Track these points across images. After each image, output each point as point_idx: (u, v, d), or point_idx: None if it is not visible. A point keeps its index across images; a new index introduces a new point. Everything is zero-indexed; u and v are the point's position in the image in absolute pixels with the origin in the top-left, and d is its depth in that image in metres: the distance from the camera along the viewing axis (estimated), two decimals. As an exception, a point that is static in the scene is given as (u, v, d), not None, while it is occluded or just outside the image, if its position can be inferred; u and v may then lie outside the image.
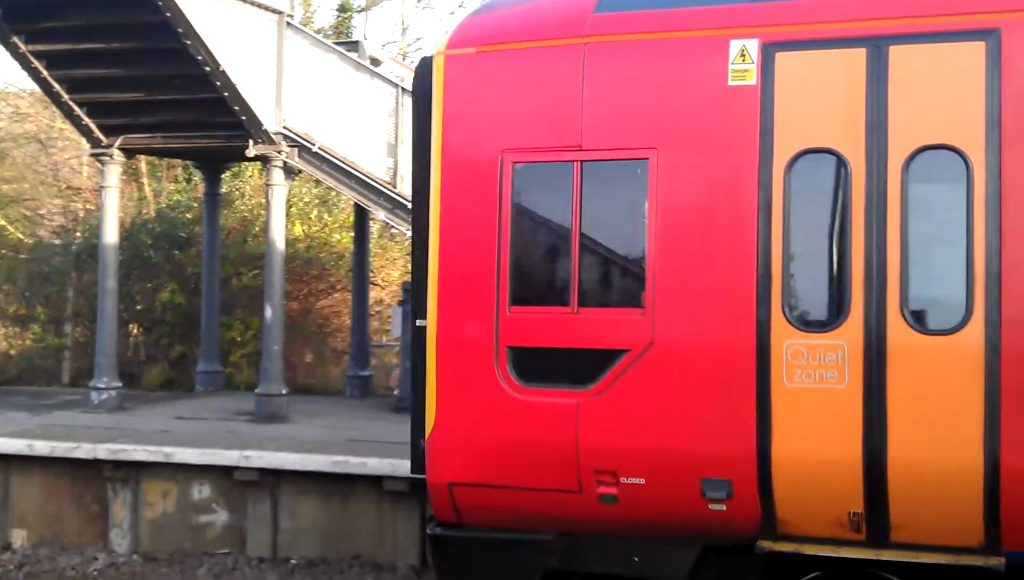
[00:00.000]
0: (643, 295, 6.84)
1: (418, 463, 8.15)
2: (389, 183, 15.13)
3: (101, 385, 15.13)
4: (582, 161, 6.97)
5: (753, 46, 6.73)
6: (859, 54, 6.56)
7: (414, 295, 7.69)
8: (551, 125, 7.06)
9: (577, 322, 6.97)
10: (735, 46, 6.76)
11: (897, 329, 6.39)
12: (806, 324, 6.56)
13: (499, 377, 7.09)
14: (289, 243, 18.37)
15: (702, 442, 6.73)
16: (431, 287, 7.31)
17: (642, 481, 6.85)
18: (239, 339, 19.66)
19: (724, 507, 6.76)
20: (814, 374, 6.53)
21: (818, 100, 6.61)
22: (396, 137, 15.32)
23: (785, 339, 6.57)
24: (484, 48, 7.29)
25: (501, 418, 7.09)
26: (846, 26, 6.62)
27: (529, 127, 7.12)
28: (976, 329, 6.26)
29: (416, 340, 7.72)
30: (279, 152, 14.29)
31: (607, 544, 7.22)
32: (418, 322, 7.51)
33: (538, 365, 7.07)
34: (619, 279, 7.10)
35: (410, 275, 8.34)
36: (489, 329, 7.12)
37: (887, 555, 6.57)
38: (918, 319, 6.39)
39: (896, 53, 6.49)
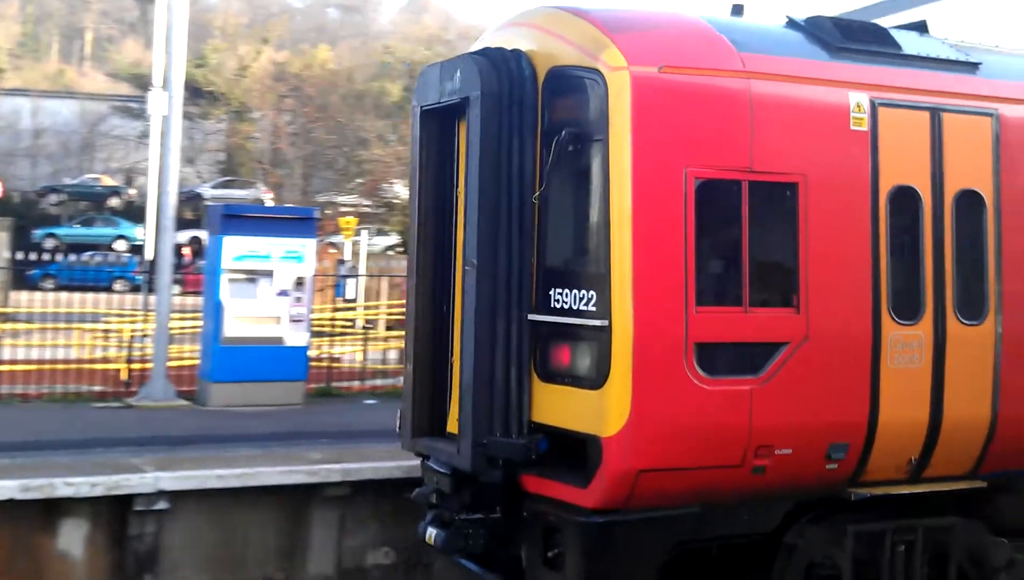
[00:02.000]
0: (797, 297, 8.20)
1: (480, 461, 8.28)
2: None
3: None
4: (750, 181, 8.06)
5: (865, 99, 8.51)
6: (926, 116, 8.75)
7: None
8: (727, 146, 8.01)
9: (749, 320, 8.05)
10: (853, 97, 8.48)
11: (952, 322, 8.76)
12: (901, 319, 8.57)
13: (687, 371, 7.83)
14: None
15: (835, 414, 8.35)
16: (621, 292, 7.69)
17: (789, 451, 8.22)
18: None
19: (836, 465, 8.46)
20: (904, 357, 8.59)
21: (904, 147, 8.65)
22: None
23: (890, 331, 8.51)
24: (668, 70, 7.89)
25: (690, 407, 7.85)
26: (919, 95, 8.76)
27: (707, 146, 7.96)
28: (991, 321, 8.92)
29: (565, 338, 8.00)
30: None
31: (730, 510, 8.37)
32: (598, 323, 7.77)
33: (718, 358, 7.97)
34: (780, 283, 8.30)
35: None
36: (679, 329, 7.81)
37: (920, 488, 8.91)
38: (963, 315, 8.83)
39: (947, 118, 8.82)
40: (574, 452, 8.05)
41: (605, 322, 7.80)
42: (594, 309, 7.90)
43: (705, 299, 7.95)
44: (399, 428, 9.57)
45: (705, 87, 8.07)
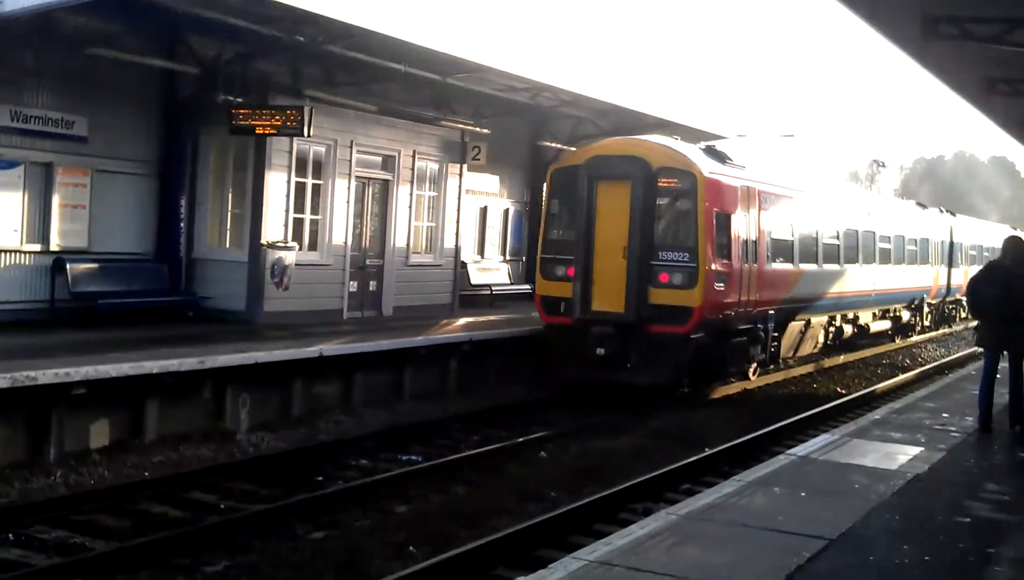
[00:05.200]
0: (734, 254, 22.45)
1: (639, 318, 21.57)
2: None
3: None
4: (718, 213, 22.16)
5: (739, 184, 23.03)
6: (736, 189, 23.50)
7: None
8: (722, 200, 22.06)
9: (727, 264, 22.19)
10: (739, 183, 22.95)
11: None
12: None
13: (714, 283, 21.80)
14: None
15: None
16: (702, 253, 21.39)
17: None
18: None
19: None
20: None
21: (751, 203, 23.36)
22: None
23: (795, 266, 23.17)
24: (711, 173, 21.77)
25: (716, 295, 21.80)
26: (746, 181, 23.52)
27: (718, 199, 21.94)
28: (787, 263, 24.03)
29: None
30: None
31: (708, 331, 22.38)
32: (692, 264, 21.34)
33: (720, 278, 21.98)
34: (726, 248, 22.41)
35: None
36: (713, 267, 21.75)
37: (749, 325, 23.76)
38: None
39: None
40: (670, 315, 21.58)
41: (695, 264, 21.52)
42: (687, 258, 21.53)
43: (717, 257, 21.97)
44: (564, 311, 22.22)
45: (719, 180, 22.15)
